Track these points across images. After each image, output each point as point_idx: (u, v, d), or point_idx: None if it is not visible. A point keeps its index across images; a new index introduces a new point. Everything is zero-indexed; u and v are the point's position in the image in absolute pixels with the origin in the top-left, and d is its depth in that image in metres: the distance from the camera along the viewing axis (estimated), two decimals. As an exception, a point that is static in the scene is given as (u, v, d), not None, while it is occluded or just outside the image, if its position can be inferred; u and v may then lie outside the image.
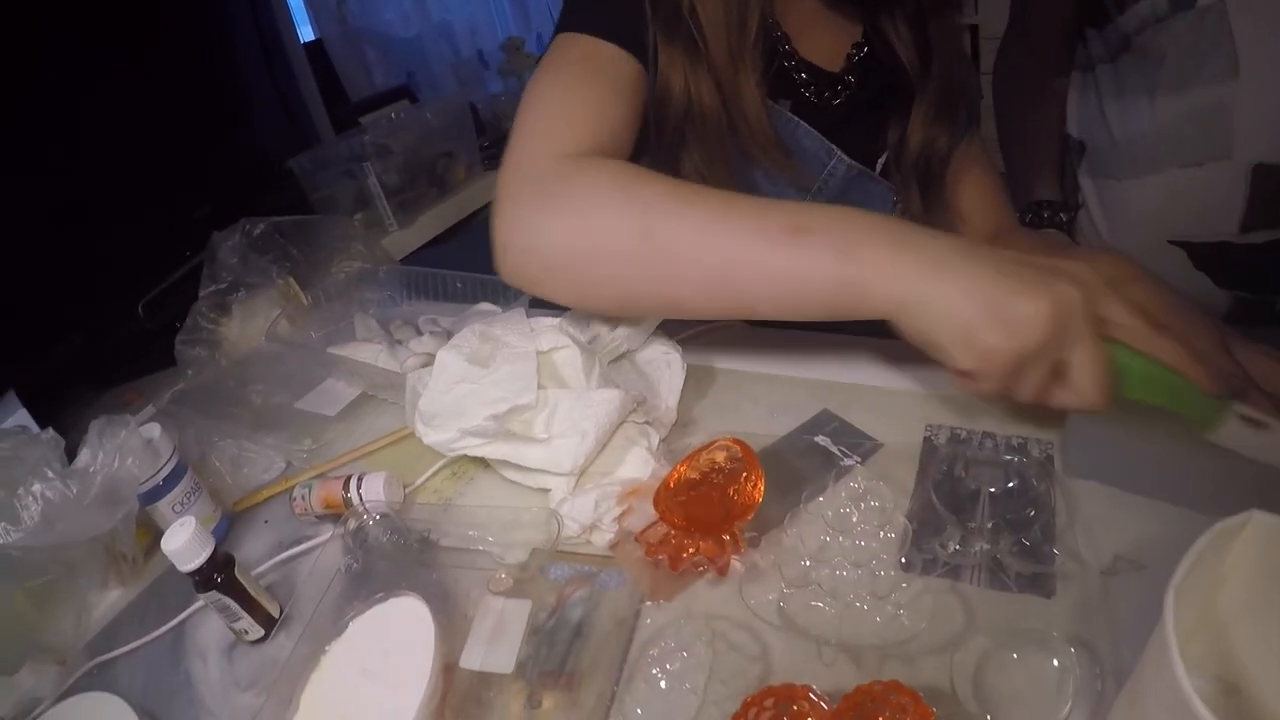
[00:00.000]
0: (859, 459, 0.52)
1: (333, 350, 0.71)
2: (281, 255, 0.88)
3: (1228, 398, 0.42)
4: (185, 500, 0.56)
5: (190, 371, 0.78)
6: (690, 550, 0.44)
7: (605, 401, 0.51)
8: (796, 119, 0.62)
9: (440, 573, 0.50)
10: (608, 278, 0.49)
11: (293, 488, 0.58)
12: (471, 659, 0.42)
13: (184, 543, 0.46)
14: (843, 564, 0.44)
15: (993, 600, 0.42)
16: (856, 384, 0.60)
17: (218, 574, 0.47)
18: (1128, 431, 0.45)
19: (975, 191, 0.73)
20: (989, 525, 0.45)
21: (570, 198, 0.49)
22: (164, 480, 0.55)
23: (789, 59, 0.62)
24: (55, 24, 0.93)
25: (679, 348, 0.61)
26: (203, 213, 1.04)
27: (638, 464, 0.51)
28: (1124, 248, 0.76)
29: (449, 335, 0.72)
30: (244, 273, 0.85)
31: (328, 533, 0.56)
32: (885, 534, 0.46)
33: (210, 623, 0.51)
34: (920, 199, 0.67)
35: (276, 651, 0.49)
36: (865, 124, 0.66)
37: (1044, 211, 0.82)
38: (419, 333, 0.75)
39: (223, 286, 0.84)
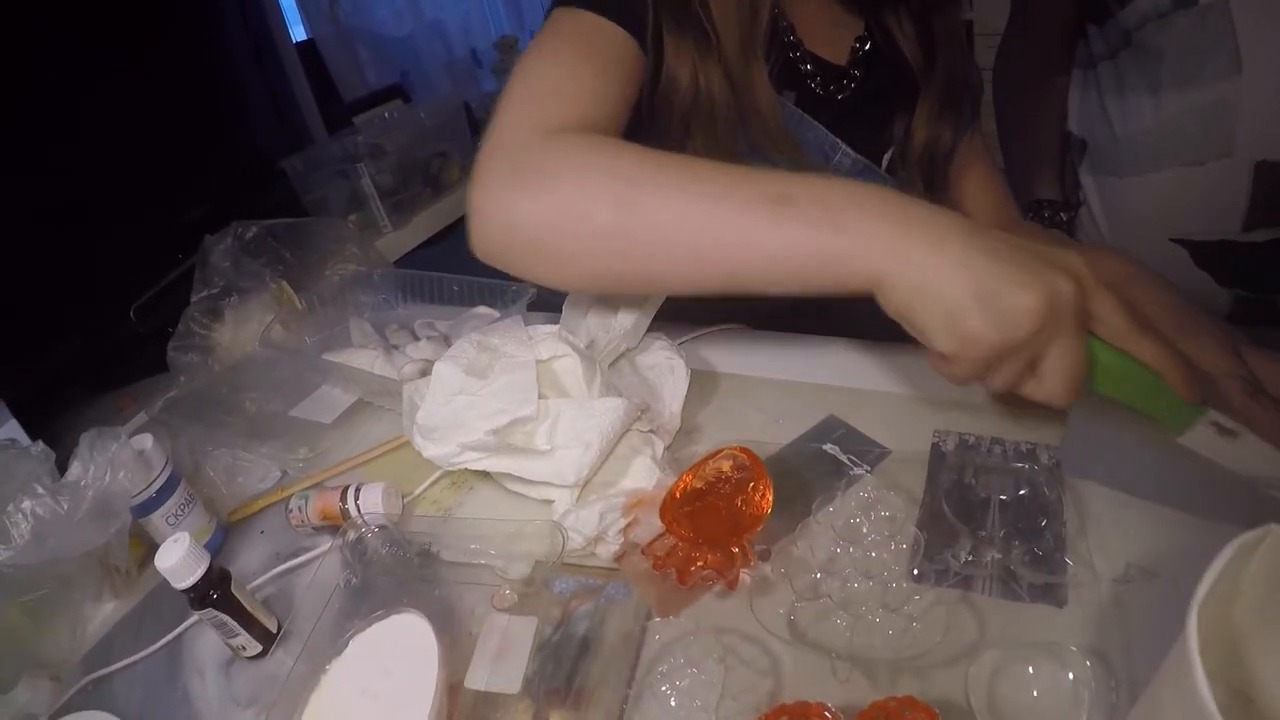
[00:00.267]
0: (868, 468, 0.51)
1: (328, 356, 0.70)
2: (274, 258, 0.86)
3: (1201, 404, 0.41)
4: (179, 512, 0.55)
5: (183, 378, 0.76)
6: (699, 563, 0.44)
7: (609, 410, 0.50)
8: (801, 112, 0.61)
9: (442, 588, 0.49)
10: (587, 252, 0.47)
11: (289, 499, 0.57)
12: (476, 679, 0.42)
13: (178, 560, 0.45)
14: (854, 575, 0.43)
15: (1005, 611, 0.41)
16: (860, 389, 0.59)
17: (213, 590, 0.46)
18: (1128, 433, 0.45)
19: (978, 186, 0.73)
20: (1000, 534, 0.44)
21: (550, 172, 0.47)
22: (157, 492, 0.54)
23: (794, 50, 0.62)
24: (42, 25, 0.91)
25: (682, 352, 0.60)
26: (194, 215, 1.03)
27: (642, 474, 0.51)
28: (1125, 245, 0.75)
29: (446, 340, 0.71)
30: (236, 277, 0.83)
31: (325, 544, 0.55)
32: (896, 544, 0.45)
33: (207, 637, 0.50)
34: (925, 194, 0.67)
35: (275, 667, 0.48)
36: (870, 118, 0.65)
37: (1044, 210, 0.81)
38: (415, 337, 0.74)
39: (215, 291, 0.82)
